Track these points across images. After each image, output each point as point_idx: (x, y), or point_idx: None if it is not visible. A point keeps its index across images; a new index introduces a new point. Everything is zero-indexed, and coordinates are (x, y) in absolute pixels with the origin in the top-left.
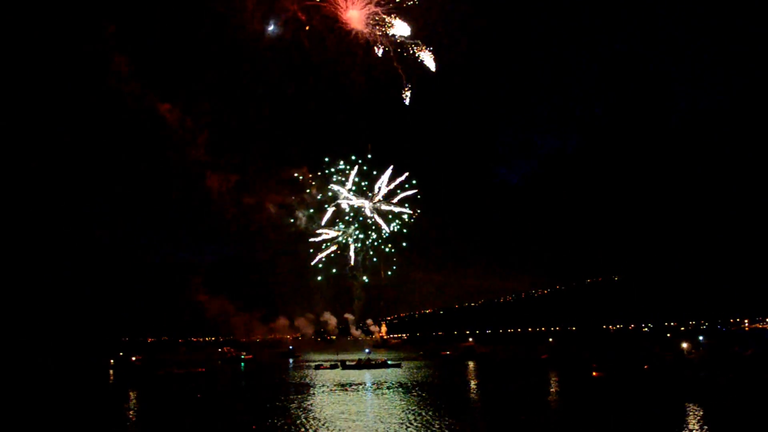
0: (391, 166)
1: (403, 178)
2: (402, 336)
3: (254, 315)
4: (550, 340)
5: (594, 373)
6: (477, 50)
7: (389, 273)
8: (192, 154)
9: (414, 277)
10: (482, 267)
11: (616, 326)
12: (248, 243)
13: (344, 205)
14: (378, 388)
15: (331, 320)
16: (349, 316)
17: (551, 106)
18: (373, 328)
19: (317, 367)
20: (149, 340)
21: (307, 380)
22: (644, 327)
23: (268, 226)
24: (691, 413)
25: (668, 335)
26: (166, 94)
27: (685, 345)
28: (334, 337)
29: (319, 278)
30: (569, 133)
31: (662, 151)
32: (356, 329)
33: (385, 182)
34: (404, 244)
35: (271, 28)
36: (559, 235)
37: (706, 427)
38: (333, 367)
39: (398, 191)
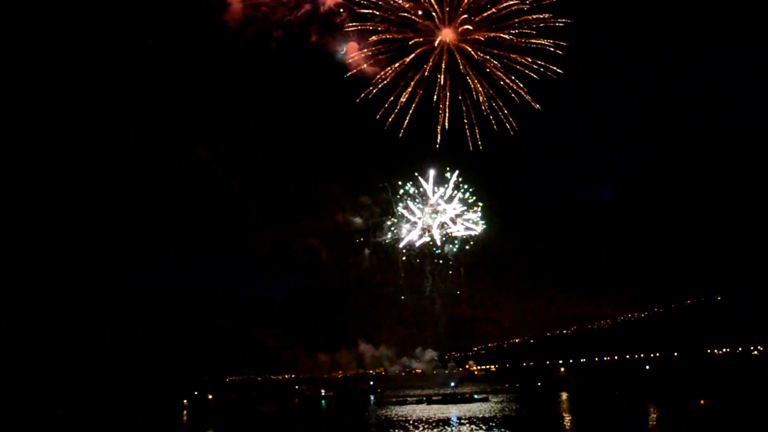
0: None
1: (455, 178)
2: (489, 368)
3: (319, 350)
4: (647, 367)
5: (701, 401)
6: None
7: (458, 291)
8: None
9: (497, 302)
10: (570, 291)
11: (722, 350)
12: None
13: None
14: (463, 424)
15: (367, 353)
16: (382, 350)
17: (623, 122)
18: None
19: (401, 403)
20: (227, 379)
21: (392, 417)
22: (753, 350)
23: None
24: None
25: None
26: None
27: None
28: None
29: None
30: (647, 147)
31: (754, 158)
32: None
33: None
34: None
35: (343, 52)
36: (651, 255)
37: None
38: (418, 402)
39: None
